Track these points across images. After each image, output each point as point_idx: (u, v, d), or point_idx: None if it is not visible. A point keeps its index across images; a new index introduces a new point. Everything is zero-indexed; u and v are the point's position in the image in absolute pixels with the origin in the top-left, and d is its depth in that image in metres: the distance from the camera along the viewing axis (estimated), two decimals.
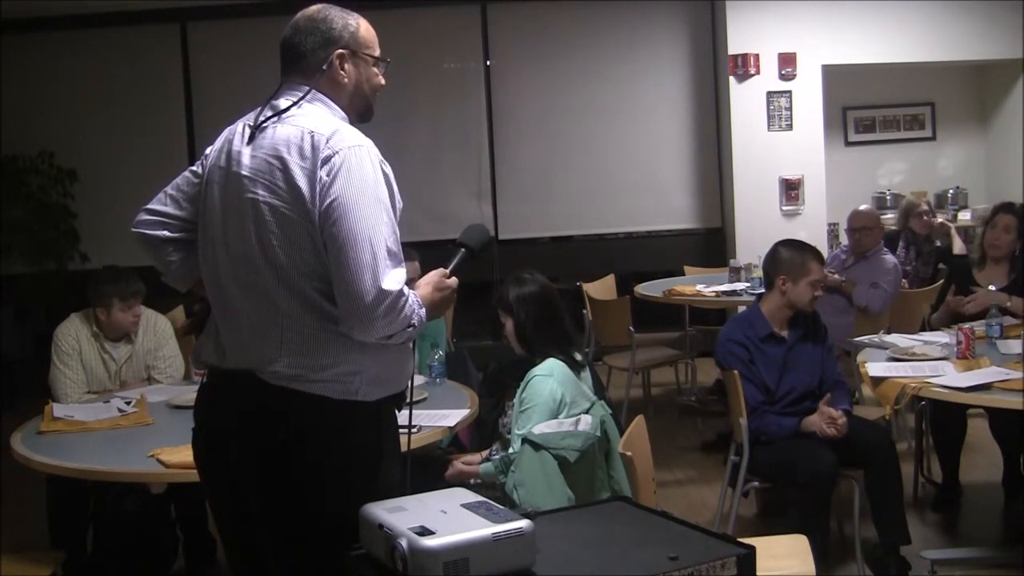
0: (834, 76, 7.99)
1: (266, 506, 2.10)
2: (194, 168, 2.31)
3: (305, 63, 2.19)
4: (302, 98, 2.16)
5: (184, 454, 2.72)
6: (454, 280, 2.24)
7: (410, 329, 2.05)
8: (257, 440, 2.07)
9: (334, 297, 2.03)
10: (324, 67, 2.18)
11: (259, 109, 2.19)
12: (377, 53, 2.25)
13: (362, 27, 2.23)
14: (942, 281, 5.12)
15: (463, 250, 2.33)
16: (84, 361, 4.15)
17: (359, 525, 1.95)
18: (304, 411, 2.05)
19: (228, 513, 2.23)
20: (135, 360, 4.28)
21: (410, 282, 2.10)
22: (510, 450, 3.24)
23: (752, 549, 1.88)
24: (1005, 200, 5.07)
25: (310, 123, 2.10)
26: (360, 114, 2.24)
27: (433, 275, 2.22)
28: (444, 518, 1.84)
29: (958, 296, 4.57)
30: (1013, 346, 3.87)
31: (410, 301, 2.04)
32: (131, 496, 3.79)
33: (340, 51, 2.19)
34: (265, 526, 2.12)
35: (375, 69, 2.25)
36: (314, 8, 2.23)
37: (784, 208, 7.86)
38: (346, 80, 2.20)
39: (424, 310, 2.09)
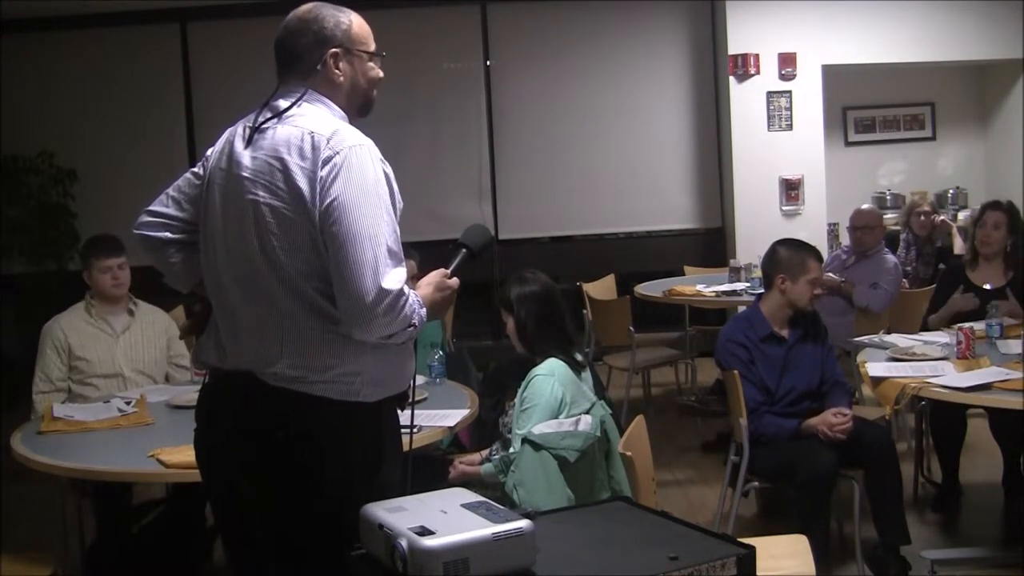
0: (834, 76, 7.99)
1: (267, 507, 2.10)
2: (195, 169, 2.31)
3: (300, 65, 2.18)
4: (300, 98, 2.15)
5: (184, 454, 2.72)
6: (455, 281, 2.23)
7: (410, 329, 2.05)
8: (258, 441, 2.07)
9: (335, 298, 2.02)
10: (319, 67, 2.17)
11: (259, 110, 2.19)
12: (372, 48, 2.24)
13: (355, 23, 2.22)
14: (936, 284, 5.11)
15: (464, 250, 2.33)
16: (79, 345, 4.06)
17: (359, 525, 1.95)
18: (305, 412, 2.05)
19: (229, 514, 2.23)
20: (141, 335, 4.21)
21: (408, 281, 2.09)
22: (510, 450, 3.24)
23: (752, 549, 1.88)
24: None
25: (310, 123, 2.09)
26: (359, 109, 2.24)
27: (434, 275, 2.21)
28: (444, 518, 1.84)
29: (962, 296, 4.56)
30: (1013, 346, 3.87)
31: (410, 301, 2.03)
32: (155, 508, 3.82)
33: (334, 50, 2.18)
34: (266, 527, 2.12)
35: (371, 64, 2.24)
36: (304, 8, 2.22)
37: (784, 208, 7.86)
38: (341, 79, 2.20)
39: (425, 310, 2.09)
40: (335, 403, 2.05)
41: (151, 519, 3.94)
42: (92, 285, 4.18)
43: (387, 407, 2.15)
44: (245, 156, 2.13)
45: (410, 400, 2.24)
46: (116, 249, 4.15)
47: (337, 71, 2.19)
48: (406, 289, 2.03)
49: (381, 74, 2.27)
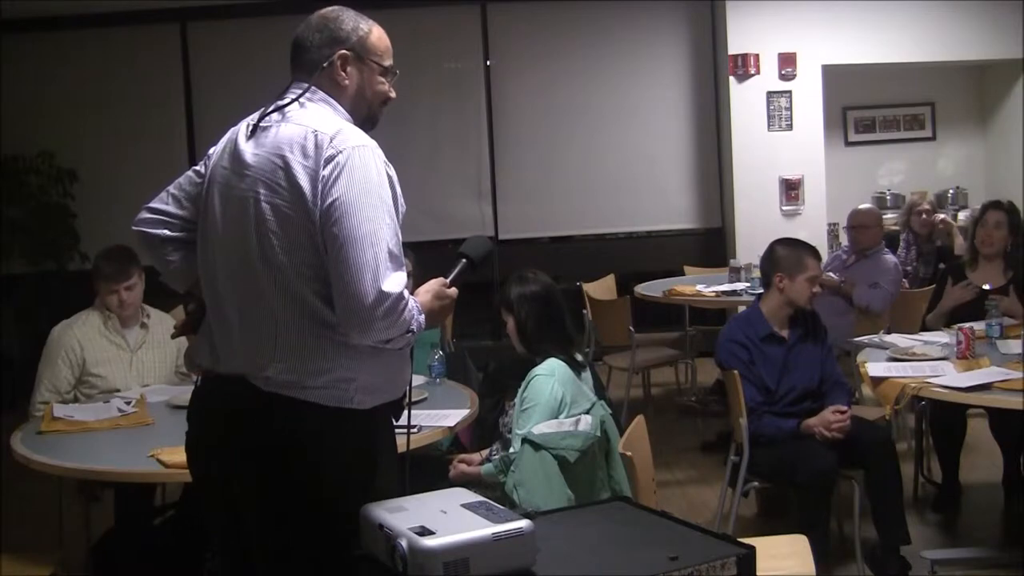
0: (834, 76, 7.99)
1: (258, 513, 2.08)
2: (197, 168, 2.30)
3: (308, 58, 2.18)
4: (301, 95, 2.14)
5: (184, 454, 2.72)
6: (454, 290, 2.21)
7: (408, 335, 2.03)
8: (249, 447, 2.05)
9: (332, 301, 2.00)
10: (324, 65, 2.16)
11: (263, 109, 2.18)
12: (386, 63, 2.22)
13: (374, 34, 2.21)
14: (935, 284, 5.11)
15: (464, 260, 2.31)
16: (94, 361, 4.00)
17: (359, 525, 1.95)
18: (297, 419, 2.02)
19: (222, 519, 2.21)
20: (153, 350, 4.14)
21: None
22: (510, 450, 3.24)
23: (752, 549, 1.88)
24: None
25: (314, 122, 2.08)
26: (362, 121, 2.20)
27: (433, 284, 2.19)
28: (444, 518, 1.84)
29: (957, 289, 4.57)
30: (1013, 346, 3.87)
31: (410, 306, 2.01)
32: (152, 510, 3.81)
33: (343, 52, 2.17)
34: (258, 533, 2.10)
35: (381, 78, 2.22)
36: (331, 8, 2.22)
37: (784, 208, 7.86)
38: (346, 82, 2.18)
39: (423, 316, 2.07)
40: (328, 409, 2.02)
41: (161, 521, 3.94)
42: (101, 301, 4.07)
43: (382, 414, 2.13)
44: (247, 154, 2.12)
45: (406, 405, 2.22)
46: (123, 273, 3.99)
47: (343, 73, 2.17)
48: (406, 293, 2.00)
49: (392, 93, 2.24)
